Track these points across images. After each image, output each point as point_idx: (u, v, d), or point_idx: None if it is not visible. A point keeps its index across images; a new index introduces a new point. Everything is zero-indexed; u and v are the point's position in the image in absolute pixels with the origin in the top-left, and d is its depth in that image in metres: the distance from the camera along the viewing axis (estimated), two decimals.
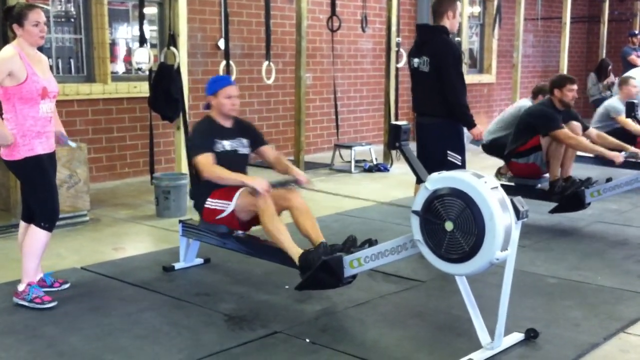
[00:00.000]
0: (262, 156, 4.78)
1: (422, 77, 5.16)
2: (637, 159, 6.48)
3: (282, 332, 3.74)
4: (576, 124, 6.04)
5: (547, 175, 6.07)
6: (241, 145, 4.62)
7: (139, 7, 6.74)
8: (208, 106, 4.64)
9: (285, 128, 9.80)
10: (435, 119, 5.13)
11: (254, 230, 4.56)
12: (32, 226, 4.16)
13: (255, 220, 4.35)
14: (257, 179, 4.21)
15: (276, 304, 4.16)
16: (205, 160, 4.38)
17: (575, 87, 6.01)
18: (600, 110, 8.00)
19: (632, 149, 6.49)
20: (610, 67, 11.80)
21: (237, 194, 4.32)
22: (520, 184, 6.06)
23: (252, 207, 4.24)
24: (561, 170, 5.96)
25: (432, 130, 5.19)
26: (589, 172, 6.49)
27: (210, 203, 4.43)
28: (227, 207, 4.35)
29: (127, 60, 8.38)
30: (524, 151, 6.03)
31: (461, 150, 5.18)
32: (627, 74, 8.92)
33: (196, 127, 4.63)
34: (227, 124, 4.60)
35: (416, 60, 5.18)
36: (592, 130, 6.42)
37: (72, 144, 4.61)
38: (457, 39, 5.20)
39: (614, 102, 7.85)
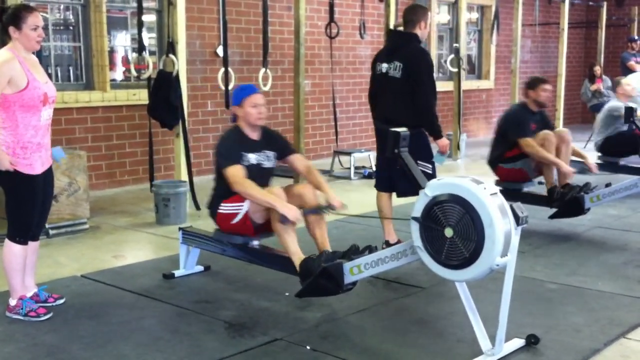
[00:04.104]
0: (291, 165, 4.64)
1: (391, 82, 5.08)
2: (589, 171, 6.38)
3: (283, 339, 3.73)
4: (550, 134, 5.96)
5: (536, 180, 6.08)
6: (266, 159, 4.48)
7: (137, 15, 6.76)
8: (234, 118, 4.50)
9: (284, 135, 9.77)
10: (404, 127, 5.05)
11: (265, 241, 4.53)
12: (8, 242, 3.98)
13: (268, 225, 4.24)
14: (289, 206, 4.01)
15: (276, 311, 4.16)
16: (237, 172, 4.22)
17: (548, 87, 6.10)
18: (601, 115, 7.92)
19: (587, 161, 6.29)
20: (595, 68, 11.72)
21: None
22: (506, 187, 5.75)
23: (266, 206, 4.12)
24: (559, 177, 5.95)
25: None
26: (587, 178, 6.50)
27: (224, 207, 4.34)
28: (241, 208, 4.26)
29: (126, 67, 8.38)
30: (512, 157, 5.99)
31: (430, 159, 5.10)
32: (621, 78, 8.94)
33: (224, 137, 4.47)
34: (254, 135, 4.46)
35: (385, 65, 5.12)
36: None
37: (62, 155, 4.46)
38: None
39: (616, 103, 7.75)
